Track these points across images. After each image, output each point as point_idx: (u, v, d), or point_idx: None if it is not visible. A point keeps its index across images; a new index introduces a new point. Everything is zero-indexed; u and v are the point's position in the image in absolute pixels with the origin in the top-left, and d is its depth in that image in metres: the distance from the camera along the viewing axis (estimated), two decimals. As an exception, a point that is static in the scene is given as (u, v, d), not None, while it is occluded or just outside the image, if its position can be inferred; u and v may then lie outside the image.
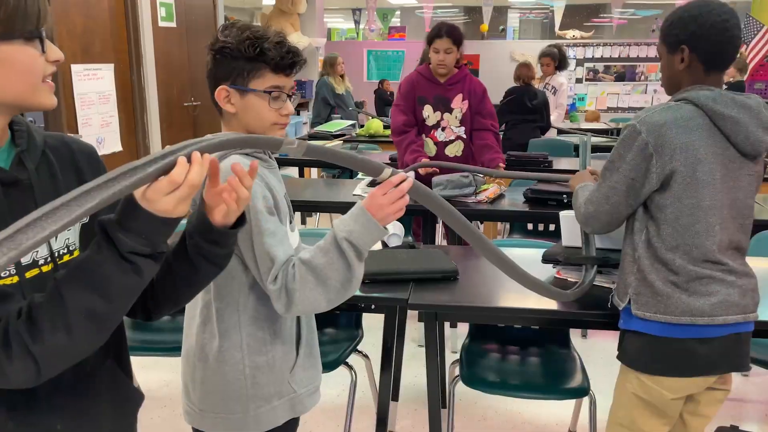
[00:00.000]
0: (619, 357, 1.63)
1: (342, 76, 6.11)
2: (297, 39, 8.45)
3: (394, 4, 12.63)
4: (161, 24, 4.96)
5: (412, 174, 1.23)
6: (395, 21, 13.50)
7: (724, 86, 1.57)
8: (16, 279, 0.89)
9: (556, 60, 5.53)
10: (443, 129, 3.27)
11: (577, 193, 1.76)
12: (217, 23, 5.87)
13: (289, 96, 1.33)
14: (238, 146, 0.93)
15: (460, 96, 3.24)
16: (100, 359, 1.02)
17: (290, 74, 1.32)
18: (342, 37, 14.17)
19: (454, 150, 3.30)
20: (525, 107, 4.97)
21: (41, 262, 0.93)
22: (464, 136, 3.29)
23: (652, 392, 1.55)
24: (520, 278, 1.42)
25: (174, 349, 2.33)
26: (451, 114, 3.25)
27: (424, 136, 3.29)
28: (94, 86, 4.23)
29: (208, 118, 5.85)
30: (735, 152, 1.49)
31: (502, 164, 3.20)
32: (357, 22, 12.76)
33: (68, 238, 0.96)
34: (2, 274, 0.88)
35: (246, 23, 1.31)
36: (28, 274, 0.91)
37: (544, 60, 5.57)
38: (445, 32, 3.09)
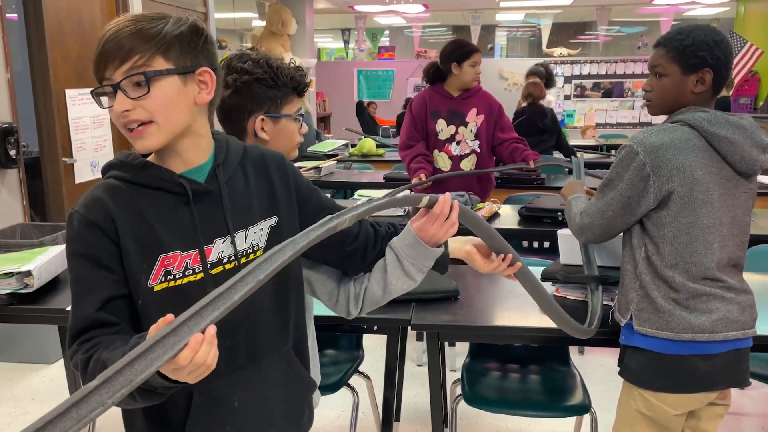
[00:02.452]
0: (621, 373, 1.65)
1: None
2: (287, 60, 8.51)
3: (383, 24, 12.76)
4: (154, 48, 5.00)
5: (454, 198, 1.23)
6: (384, 41, 13.61)
7: None
8: (201, 275, 1.03)
9: (544, 78, 5.60)
10: (458, 143, 3.30)
11: (570, 203, 1.81)
12: (209, 46, 5.91)
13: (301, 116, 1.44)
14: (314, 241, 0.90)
15: (474, 110, 3.29)
16: (278, 345, 1.15)
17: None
18: (332, 57, 14.25)
19: (469, 164, 3.33)
20: (537, 128, 4.92)
21: (225, 261, 1.06)
22: (478, 150, 3.32)
23: (656, 409, 1.57)
24: (548, 310, 1.41)
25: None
26: (466, 128, 3.29)
27: (437, 151, 3.32)
28: (89, 110, 4.24)
29: (201, 139, 5.86)
30: (731, 171, 1.53)
31: (534, 157, 3.29)
32: (346, 42, 12.86)
33: (254, 240, 1.09)
34: (187, 273, 1.03)
35: (251, 53, 1.37)
36: (213, 271, 1.05)
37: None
38: (477, 47, 3.24)
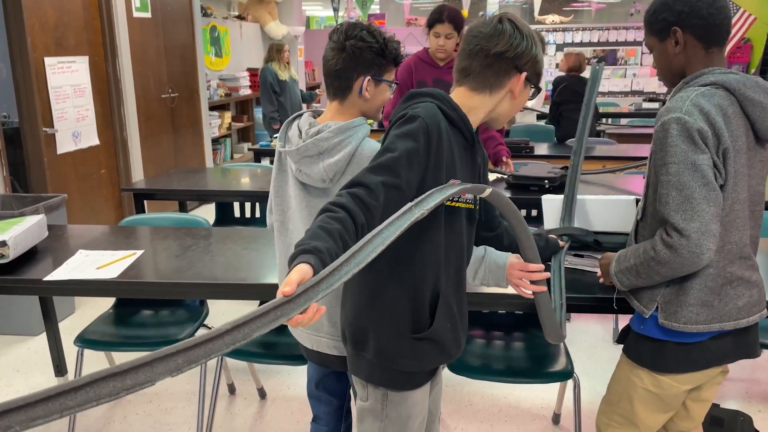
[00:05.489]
0: (631, 357, 1.56)
1: (288, 63, 5.91)
2: (275, 27, 8.36)
3: (373, -9, 12.53)
4: (136, 15, 4.89)
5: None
6: (374, 8, 13.39)
7: None
8: (473, 205, 1.39)
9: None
10: None
11: (626, 255, 1.50)
12: (193, 13, 5.79)
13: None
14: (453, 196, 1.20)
15: None
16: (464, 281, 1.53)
17: None
18: (321, 26, 14.03)
19: None
20: (578, 95, 4.89)
21: (470, 201, 1.39)
22: None
23: (665, 386, 1.51)
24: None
25: (158, 344, 2.31)
26: None
27: None
28: (69, 79, 4.16)
29: (186, 109, 5.77)
30: (753, 139, 1.41)
31: (506, 156, 3.22)
32: (336, 10, 12.64)
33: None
34: (458, 200, 1.36)
35: (364, 24, 1.59)
36: (466, 206, 1.39)
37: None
38: (446, 17, 3.04)
